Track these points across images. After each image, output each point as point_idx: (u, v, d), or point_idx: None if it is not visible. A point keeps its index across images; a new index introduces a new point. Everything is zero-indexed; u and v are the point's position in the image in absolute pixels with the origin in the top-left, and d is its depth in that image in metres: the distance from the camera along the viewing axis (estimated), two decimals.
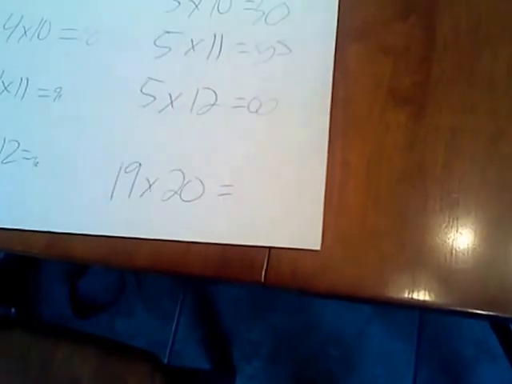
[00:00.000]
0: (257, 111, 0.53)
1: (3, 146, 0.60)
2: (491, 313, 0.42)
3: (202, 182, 0.52)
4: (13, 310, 1.27)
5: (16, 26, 0.65)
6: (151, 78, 0.57)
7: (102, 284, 1.37)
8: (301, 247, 0.47)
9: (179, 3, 0.60)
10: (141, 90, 0.57)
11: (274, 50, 0.55)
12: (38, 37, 0.64)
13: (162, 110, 0.56)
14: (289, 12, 0.56)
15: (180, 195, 0.52)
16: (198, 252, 0.50)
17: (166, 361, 1.27)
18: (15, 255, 0.59)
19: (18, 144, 0.59)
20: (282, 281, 0.48)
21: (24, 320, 1.21)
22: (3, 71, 0.63)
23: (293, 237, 0.48)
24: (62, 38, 0.63)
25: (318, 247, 0.47)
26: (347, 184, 0.49)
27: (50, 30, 0.64)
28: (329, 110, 0.51)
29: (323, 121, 0.50)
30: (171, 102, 0.56)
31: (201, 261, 0.50)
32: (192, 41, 0.58)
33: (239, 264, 0.49)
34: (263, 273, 0.48)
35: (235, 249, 0.49)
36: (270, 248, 0.48)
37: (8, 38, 0.65)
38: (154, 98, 0.57)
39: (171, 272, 0.52)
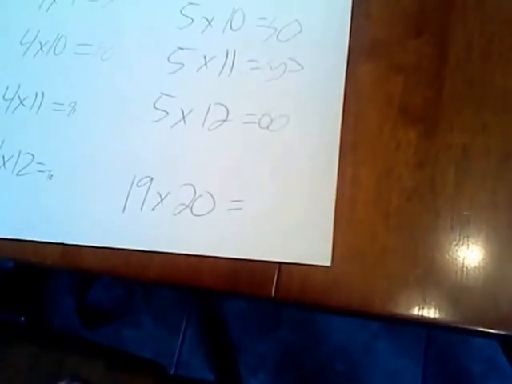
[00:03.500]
0: (268, 127, 0.54)
1: (18, 158, 0.60)
2: (502, 332, 0.42)
3: (212, 197, 0.52)
4: (22, 318, 1.27)
5: (32, 42, 0.66)
6: (164, 94, 0.58)
7: (109, 295, 1.37)
8: (311, 263, 0.48)
9: (192, 20, 0.61)
10: (154, 105, 0.58)
11: (286, 66, 0.56)
12: (54, 52, 0.65)
13: (174, 125, 0.57)
14: (301, 29, 0.56)
15: (191, 209, 0.53)
16: (208, 266, 0.51)
17: (172, 372, 1.27)
18: (25, 264, 0.59)
19: (33, 157, 0.60)
20: (292, 296, 0.48)
21: (33, 329, 1.21)
22: (19, 85, 0.64)
23: (303, 252, 0.48)
24: (77, 54, 0.64)
25: (328, 263, 0.47)
26: (357, 200, 0.49)
27: (65, 46, 0.65)
28: (340, 126, 0.51)
29: (334, 137, 0.51)
30: (183, 118, 0.57)
31: (211, 274, 0.51)
32: (205, 57, 0.58)
33: (249, 278, 0.50)
34: (273, 287, 0.48)
35: (245, 263, 0.50)
36: (280, 263, 0.49)
37: (25, 53, 0.66)
38: (167, 113, 0.57)
39: (182, 285, 0.52)
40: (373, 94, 0.52)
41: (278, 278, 0.48)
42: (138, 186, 0.55)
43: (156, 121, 0.57)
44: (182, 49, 0.60)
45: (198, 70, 0.58)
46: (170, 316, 1.32)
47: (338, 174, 0.50)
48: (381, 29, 0.54)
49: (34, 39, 0.67)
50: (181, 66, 0.59)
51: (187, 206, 0.53)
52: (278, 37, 0.57)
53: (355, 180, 0.49)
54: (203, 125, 0.56)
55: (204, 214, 0.52)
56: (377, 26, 0.54)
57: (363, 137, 0.51)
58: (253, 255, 0.49)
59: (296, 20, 0.57)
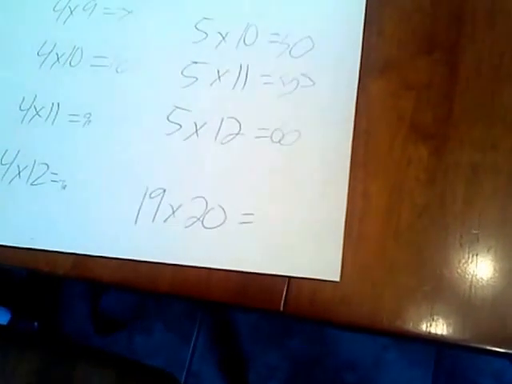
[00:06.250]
0: (279, 142, 0.54)
1: (33, 168, 0.61)
2: (510, 351, 0.42)
3: (223, 210, 0.53)
4: (35, 324, 1.29)
5: (49, 53, 0.68)
6: (178, 107, 0.59)
7: (122, 302, 1.38)
8: (320, 278, 0.48)
9: (207, 35, 0.62)
10: (167, 118, 0.59)
11: (298, 82, 0.56)
12: (70, 64, 0.66)
13: (187, 138, 0.57)
14: (313, 46, 0.57)
15: (202, 222, 0.53)
16: (218, 278, 0.51)
17: (182, 381, 1.27)
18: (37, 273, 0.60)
19: (47, 167, 0.61)
20: (301, 310, 0.48)
21: (46, 335, 1.22)
22: (35, 96, 0.66)
23: (312, 267, 0.49)
24: (92, 66, 0.65)
25: (337, 278, 0.47)
26: (367, 216, 0.49)
27: (81, 57, 0.66)
28: (351, 142, 0.52)
29: (345, 153, 0.51)
30: (196, 131, 0.57)
31: (221, 287, 0.51)
32: (218, 71, 0.59)
33: (259, 292, 0.50)
34: (282, 301, 0.49)
35: (255, 277, 0.50)
36: (289, 277, 0.49)
37: (41, 64, 0.67)
38: (180, 126, 0.58)
39: (192, 297, 0.53)
40: (384, 111, 0.52)
41: (287, 292, 0.49)
42: (151, 198, 0.56)
43: (169, 134, 0.58)
44: (195, 63, 0.61)
45: (211, 84, 0.59)
46: (182, 324, 1.32)
47: (349, 190, 0.50)
48: (392, 46, 0.54)
49: (51, 51, 0.68)
50: (194, 79, 0.60)
51: (198, 219, 0.53)
52: (290, 52, 0.57)
53: (365, 196, 0.50)
54: (216, 138, 0.56)
55: (215, 227, 0.53)
56: (389, 44, 0.55)
57: (374, 153, 0.51)
58: (262, 269, 0.50)
59: (308, 36, 0.57)
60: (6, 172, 0.63)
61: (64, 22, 0.69)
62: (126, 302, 1.38)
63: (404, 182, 0.49)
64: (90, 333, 1.34)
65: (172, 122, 0.59)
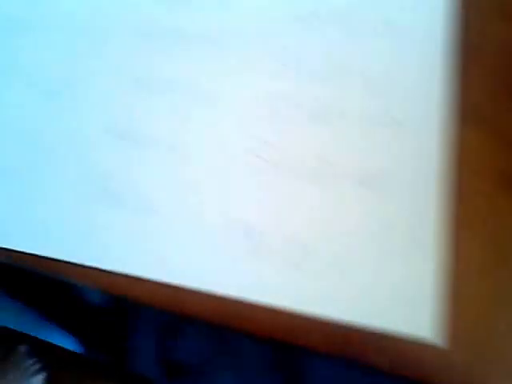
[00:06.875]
0: (363, 183, 0.54)
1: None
2: None
3: (312, 248, 0.53)
4: (103, 356, 1.22)
5: None
6: (264, 141, 0.58)
7: (194, 347, 1.30)
8: (422, 339, 0.47)
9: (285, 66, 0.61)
10: (252, 153, 0.58)
11: (383, 121, 0.56)
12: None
13: (275, 174, 0.56)
14: (400, 86, 0.56)
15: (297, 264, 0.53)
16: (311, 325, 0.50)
17: None
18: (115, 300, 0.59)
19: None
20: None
21: (112, 369, 1.18)
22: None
23: (409, 325, 0.48)
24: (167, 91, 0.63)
25: (443, 343, 0.46)
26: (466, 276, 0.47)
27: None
28: (442, 191, 0.51)
29: (434, 206, 0.51)
30: (284, 167, 0.56)
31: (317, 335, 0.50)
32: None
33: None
34: None
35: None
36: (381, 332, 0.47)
37: None
38: (265, 161, 0.57)
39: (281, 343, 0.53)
40: (479, 167, 0.51)
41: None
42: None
43: (254, 168, 0.57)
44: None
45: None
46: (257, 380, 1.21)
47: (450, 248, 0.48)
48: (487, 94, 0.52)
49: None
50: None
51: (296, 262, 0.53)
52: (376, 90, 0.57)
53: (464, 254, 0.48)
54: (306, 177, 0.56)
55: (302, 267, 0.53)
56: (483, 91, 0.53)
57: (472, 209, 0.49)
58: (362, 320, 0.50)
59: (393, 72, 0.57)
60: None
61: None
62: (199, 348, 1.29)
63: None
64: (155, 376, 1.25)
65: (258, 157, 0.57)
